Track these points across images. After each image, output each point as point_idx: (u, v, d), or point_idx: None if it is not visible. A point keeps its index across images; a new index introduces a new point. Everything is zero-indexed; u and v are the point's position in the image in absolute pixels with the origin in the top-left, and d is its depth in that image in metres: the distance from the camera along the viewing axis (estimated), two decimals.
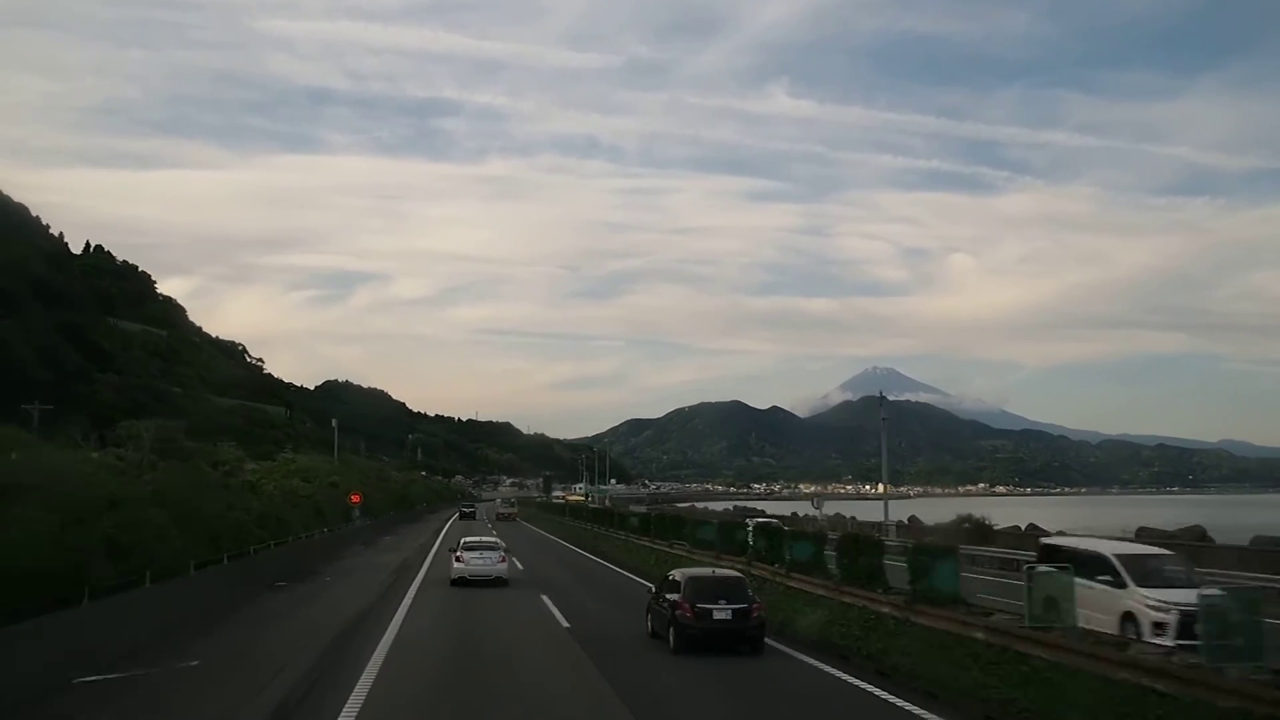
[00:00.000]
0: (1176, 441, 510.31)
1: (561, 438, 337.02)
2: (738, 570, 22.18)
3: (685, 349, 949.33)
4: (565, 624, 22.02)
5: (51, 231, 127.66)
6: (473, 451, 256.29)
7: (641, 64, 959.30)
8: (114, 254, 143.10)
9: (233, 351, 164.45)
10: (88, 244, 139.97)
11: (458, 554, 30.77)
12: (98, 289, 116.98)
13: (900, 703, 13.91)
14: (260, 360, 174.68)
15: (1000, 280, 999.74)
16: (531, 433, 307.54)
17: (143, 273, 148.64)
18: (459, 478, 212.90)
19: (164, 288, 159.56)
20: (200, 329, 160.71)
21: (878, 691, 14.73)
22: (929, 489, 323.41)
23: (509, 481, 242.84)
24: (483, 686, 15.11)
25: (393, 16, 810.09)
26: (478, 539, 33.16)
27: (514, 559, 35.21)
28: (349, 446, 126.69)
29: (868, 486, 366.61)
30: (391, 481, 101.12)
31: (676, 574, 20.27)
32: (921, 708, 13.51)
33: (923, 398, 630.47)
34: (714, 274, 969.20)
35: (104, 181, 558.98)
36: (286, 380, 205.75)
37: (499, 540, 34.11)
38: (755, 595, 19.15)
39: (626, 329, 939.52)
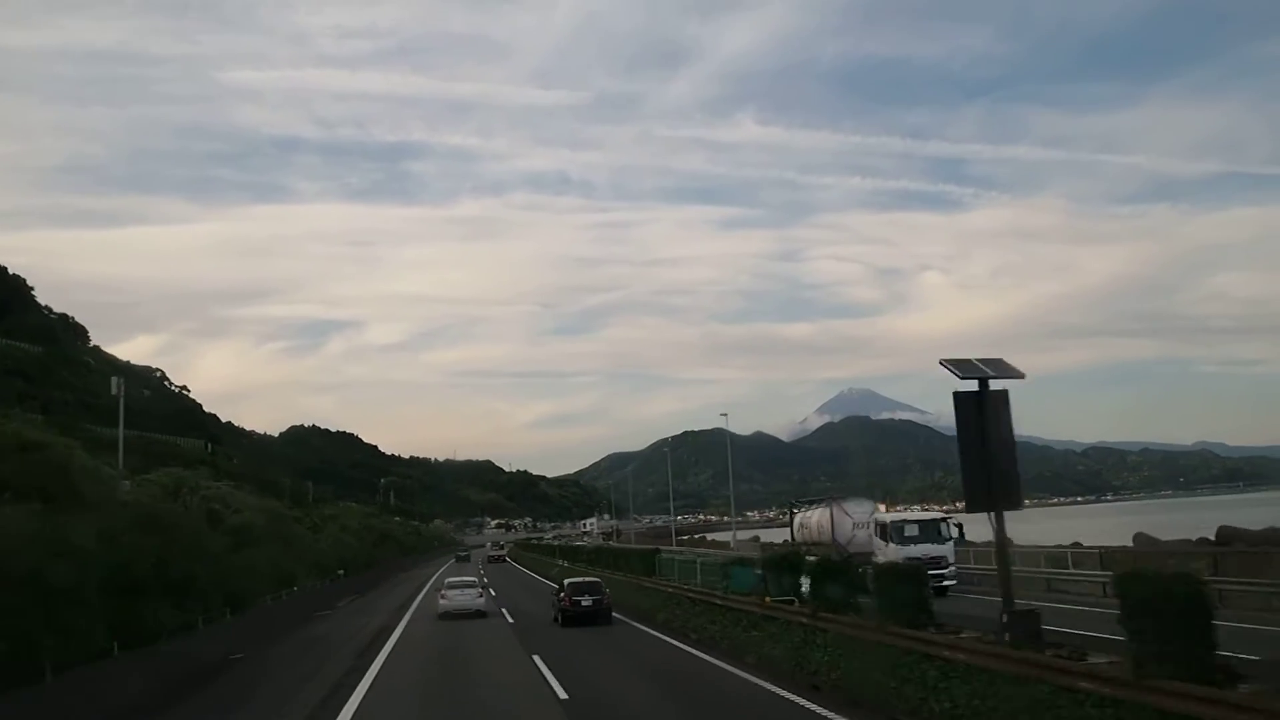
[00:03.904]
0: (1158, 446, 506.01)
1: (545, 474, 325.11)
2: (597, 577, 36.07)
3: (665, 379, 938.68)
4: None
5: None
6: (453, 492, 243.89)
7: (610, 98, 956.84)
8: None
9: (147, 378, 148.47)
10: None
11: (443, 592, 37.26)
12: None
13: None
14: (184, 388, 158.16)
15: (972, 295, 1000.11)
16: (514, 470, 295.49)
17: (14, 276, 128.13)
18: (438, 521, 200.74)
19: (131, 348, 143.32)
20: (98, 349, 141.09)
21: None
22: (926, 505, 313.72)
23: (494, 523, 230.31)
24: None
25: (360, 62, 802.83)
26: (459, 579, 39.35)
27: (483, 580, 46.47)
28: (318, 494, 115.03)
29: None
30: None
31: (566, 580, 34.18)
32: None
33: (900, 416, 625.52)
34: (690, 304, 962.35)
35: (70, 241, 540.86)
36: (249, 428, 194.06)
37: (476, 579, 41.22)
38: (607, 590, 32.53)
39: (605, 363, 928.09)
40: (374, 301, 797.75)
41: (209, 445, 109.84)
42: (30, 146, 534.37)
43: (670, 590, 30.96)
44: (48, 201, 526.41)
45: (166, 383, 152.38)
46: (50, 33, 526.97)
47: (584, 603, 31.12)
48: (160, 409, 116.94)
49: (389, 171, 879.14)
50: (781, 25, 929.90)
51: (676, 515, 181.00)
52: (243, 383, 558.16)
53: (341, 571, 57.36)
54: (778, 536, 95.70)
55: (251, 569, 38.96)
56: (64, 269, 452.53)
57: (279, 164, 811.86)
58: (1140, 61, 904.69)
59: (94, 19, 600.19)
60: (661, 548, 54.92)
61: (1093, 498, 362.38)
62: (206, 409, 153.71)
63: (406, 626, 34.37)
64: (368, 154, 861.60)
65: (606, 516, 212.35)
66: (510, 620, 33.88)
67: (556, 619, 32.03)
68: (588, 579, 34.42)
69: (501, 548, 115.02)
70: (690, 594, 28.36)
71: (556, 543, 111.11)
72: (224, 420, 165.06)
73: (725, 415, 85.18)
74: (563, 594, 31.99)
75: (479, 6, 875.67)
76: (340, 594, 52.51)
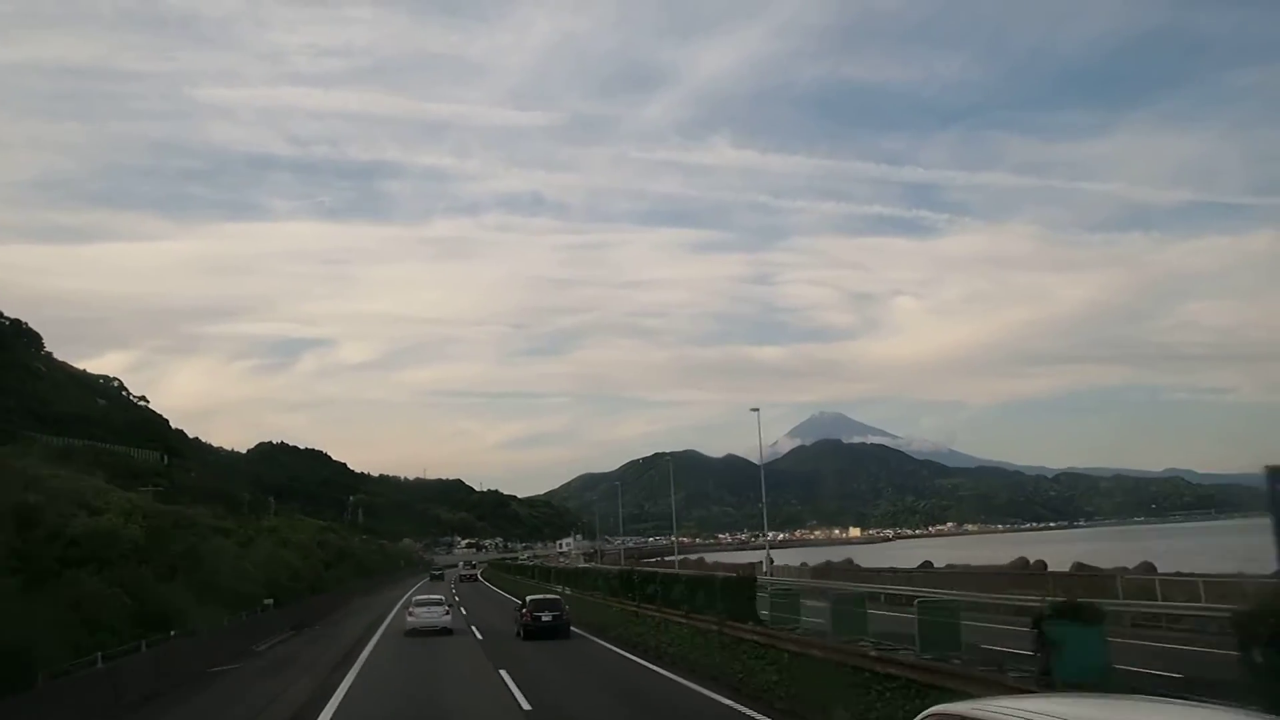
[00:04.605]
0: (1129, 472, 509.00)
1: (516, 494, 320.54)
2: (557, 594, 40.98)
3: (636, 401, 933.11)
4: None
5: None
6: (422, 512, 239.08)
7: (585, 119, 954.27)
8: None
9: (105, 388, 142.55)
10: None
11: (410, 609, 38.49)
12: None
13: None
14: (144, 399, 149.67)
15: (944, 320, 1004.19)
16: (485, 490, 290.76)
17: None
18: (407, 540, 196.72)
19: (101, 364, 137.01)
20: (51, 356, 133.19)
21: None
22: (899, 530, 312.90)
23: (464, 543, 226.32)
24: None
25: (335, 81, 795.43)
26: (427, 596, 40.59)
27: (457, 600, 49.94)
28: (285, 511, 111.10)
29: (837, 531, 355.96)
30: None
31: (528, 596, 37.22)
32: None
33: (871, 440, 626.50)
34: (663, 326, 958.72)
35: (41, 256, 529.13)
36: (216, 444, 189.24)
37: (444, 597, 41.99)
38: (566, 606, 35.35)
39: (577, 384, 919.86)
40: (346, 320, 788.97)
41: (165, 457, 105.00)
42: (2, 160, 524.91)
43: (837, 658, 17.84)
44: (19, 216, 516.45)
45: (125, 393, 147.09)
46: (26, 47, 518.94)
47: (544, 618, 33.63)
48: (116, 419, 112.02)
49: (363, 190, 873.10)
50: (758, 49, 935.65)
51: (648, 538, 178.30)
52: (213, 400, 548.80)
53: (270, 600, 43.24)
54: (778, 558, 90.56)
55: (85, 604, 24.71)
56: (35, 284, 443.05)
57: (252, 181, 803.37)
58: (1113, 90, 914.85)
59: (70, 34, 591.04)
60: (683, 572, 46.93)
61: (1065, 523, 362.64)
62: (174, 425, 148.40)
63: (349, 693, 22.48)
64: (341, 173, 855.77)
65: (579, 537, 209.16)
66: (527, 706, 19.94)
67: (519, 633, 34.11)
68: (548, 596, 37.37)
69: (474, 567, 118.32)
70: (902, 666, 15.27)
71: (534, 563, 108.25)
72: (191, 436, 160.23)
73: (757, 410, 70.82)
74: (524, 610, 34.43)
75: (455, 27, 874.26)
76: (265, 633, 38.74)
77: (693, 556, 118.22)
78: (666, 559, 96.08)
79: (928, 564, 56.37)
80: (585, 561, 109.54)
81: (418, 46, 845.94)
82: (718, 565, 75.84)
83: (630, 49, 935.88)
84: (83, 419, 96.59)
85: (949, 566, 51.07)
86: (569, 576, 56.94)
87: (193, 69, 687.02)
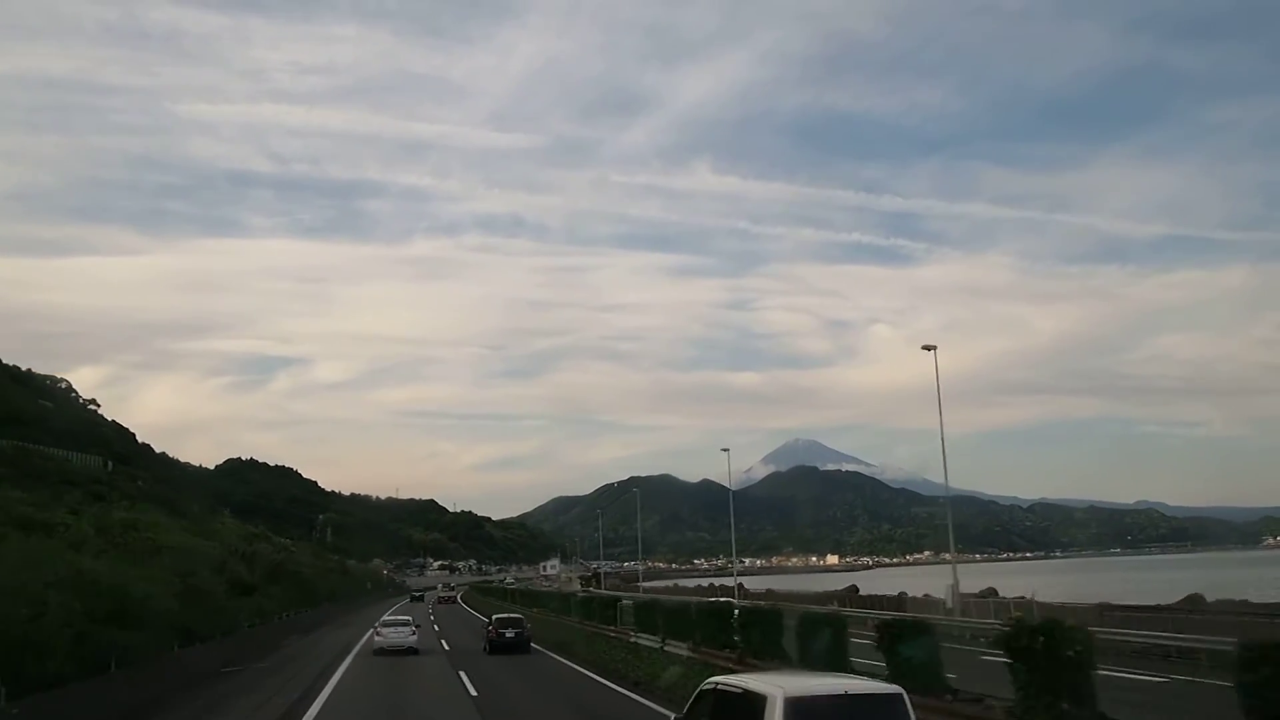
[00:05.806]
0: (1102, 504, 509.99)
1: (490, 516, 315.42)
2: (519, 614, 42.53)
3: (612, 425, 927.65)
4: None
5: None
6: (394, 532, 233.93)
7: (567, 143, 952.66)
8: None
9: (51, 391, 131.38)
10: None
11: (378, 629, 39.42)
12: None
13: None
14: (94, 402, 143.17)
15: (920, 350, 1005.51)
16: (458, 511, 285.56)
17: None
18: (377, 561, 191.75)
19: (73, 378, 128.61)
20: None
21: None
22: (879, 559, 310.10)
23: (436, 564, 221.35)
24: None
25: (317, 99, 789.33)
26: (395, 618, 41.62)
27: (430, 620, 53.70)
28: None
29: (814, 558, 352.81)
30: None
31: (494, 615, 40.53)
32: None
33: (846, 467, 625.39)
34: (640, 350, 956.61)
35: (15, 269, 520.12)
36: (184, 460, 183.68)
37: (410, 618, 42.11)
38: (528, 624, 38.92)
39: (552, 407, 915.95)
40: (323, 339, 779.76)
41: (109, 464, 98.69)
42: None
43: None
44: None
45: (74, 396, 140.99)
46: (6, 59, 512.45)
47: (508, 634, 36.59)
48: (56, 423, 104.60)
49: (342, 209, 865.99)
50: (741, 76, 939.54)
51: (624, 562, 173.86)
52: (186, 416, 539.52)
53: None
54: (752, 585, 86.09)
55: None
56: (8, 296, 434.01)
57: (232, 198, 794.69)
58: (1092, 123, 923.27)
59: (51, 47, 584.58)
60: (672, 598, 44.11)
61: (1041, 554, 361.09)
62: (143, 440, 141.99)
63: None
64: (321, 191, 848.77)
65: (558, 560, 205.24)
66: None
67: (485, 648, 36.93)
68: (511, 615, 40.00)
69: (452, 589, 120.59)
70: None
71: (513, 585, 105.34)
72: (159, 450, 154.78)
73: (936, 358, 62.20)
74: (490, 627, 37.82)
75: (438, 48, 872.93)
76: None
77: (719, 582, 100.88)
78: (717, 584, 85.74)
79: (1199, 597, 39.52)
80: (585, 587, 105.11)
81: (401, 66, 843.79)
82: (770, 594, 58.34)
83: (613, 74, 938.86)
84: (15, 419, 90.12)
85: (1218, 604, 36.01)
86: (663, 617, 32.86)
87: (174, 84, 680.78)
